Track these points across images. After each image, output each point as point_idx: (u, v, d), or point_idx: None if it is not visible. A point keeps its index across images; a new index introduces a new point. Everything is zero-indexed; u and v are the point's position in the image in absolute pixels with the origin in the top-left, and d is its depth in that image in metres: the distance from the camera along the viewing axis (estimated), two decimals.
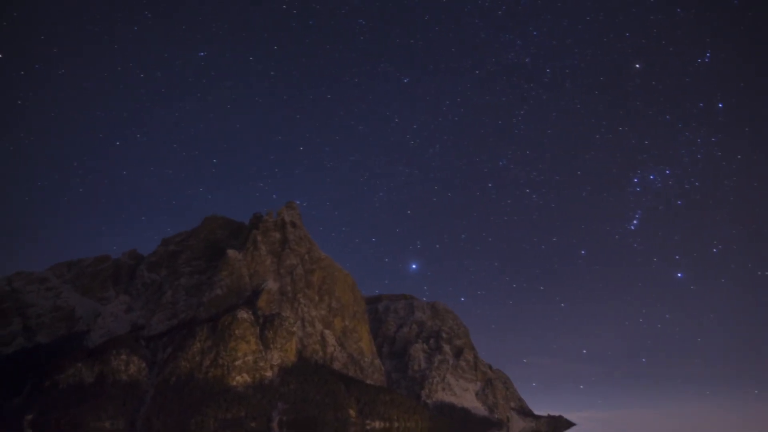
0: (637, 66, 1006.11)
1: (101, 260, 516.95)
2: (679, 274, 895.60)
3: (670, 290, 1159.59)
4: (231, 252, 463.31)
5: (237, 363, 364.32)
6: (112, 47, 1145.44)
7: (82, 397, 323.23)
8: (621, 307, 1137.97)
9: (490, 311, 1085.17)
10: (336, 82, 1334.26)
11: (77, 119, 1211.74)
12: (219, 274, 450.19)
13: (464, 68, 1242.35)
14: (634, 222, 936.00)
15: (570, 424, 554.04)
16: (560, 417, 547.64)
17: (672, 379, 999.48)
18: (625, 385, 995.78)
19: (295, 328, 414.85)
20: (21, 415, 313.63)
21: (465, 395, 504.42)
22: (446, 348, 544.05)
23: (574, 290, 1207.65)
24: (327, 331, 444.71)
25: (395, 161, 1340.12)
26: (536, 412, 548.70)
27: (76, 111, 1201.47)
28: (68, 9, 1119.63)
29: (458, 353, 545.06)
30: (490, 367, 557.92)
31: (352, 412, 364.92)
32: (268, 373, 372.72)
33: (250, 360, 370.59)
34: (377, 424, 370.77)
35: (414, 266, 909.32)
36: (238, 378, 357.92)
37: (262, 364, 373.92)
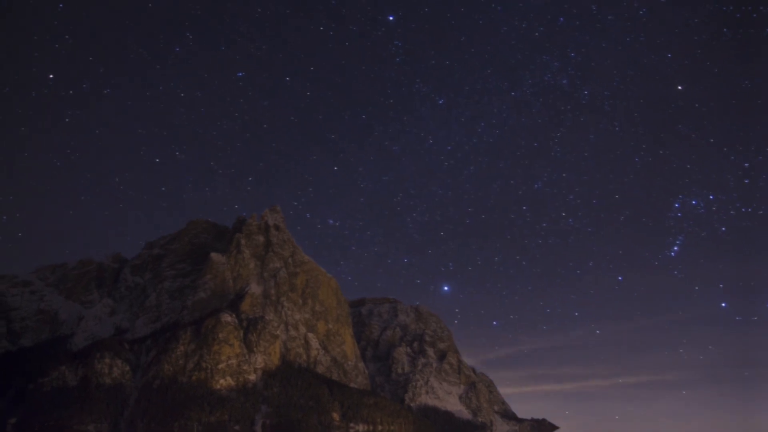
0: (680, 88, 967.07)
1: (85, 264, 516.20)
2: (723, 304, 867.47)
3: (713, 320, 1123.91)
4: (215, 255, 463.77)
5: (220, 366, 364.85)
6: (154, 68, 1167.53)
7: (66, 401, 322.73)
8: (660, 337, 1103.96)
9: (523, 336, 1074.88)
10: (371, 102, 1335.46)
11: (120, 138, 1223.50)
12: (203, 278, 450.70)
13: (500, 89, 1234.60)
14: (675, 248, 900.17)
15: (553, 428, 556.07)
16: (543, 420, 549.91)
17: (716, 409, 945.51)
18: (666, 416, 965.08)
19: (278, 332, 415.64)
20: (5, 419, 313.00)
21: (448, 398, 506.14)
22: (430, 351, 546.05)
23: (610, 317, 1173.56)
24: (310, 335, 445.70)
25: (429, 182, 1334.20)
26: (519, 416, 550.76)
27: (119, 128, 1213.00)
28: (114, 32, 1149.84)
29: (442, 356, 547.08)
30: (474, 371, 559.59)
31: (335, 416, 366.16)
32: (252, 377, 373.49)
33: (233, 363, 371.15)
34: (361, 428, 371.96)
35: (446, 288, 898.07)
36: (221, 381, 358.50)
37: (245, 367, 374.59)
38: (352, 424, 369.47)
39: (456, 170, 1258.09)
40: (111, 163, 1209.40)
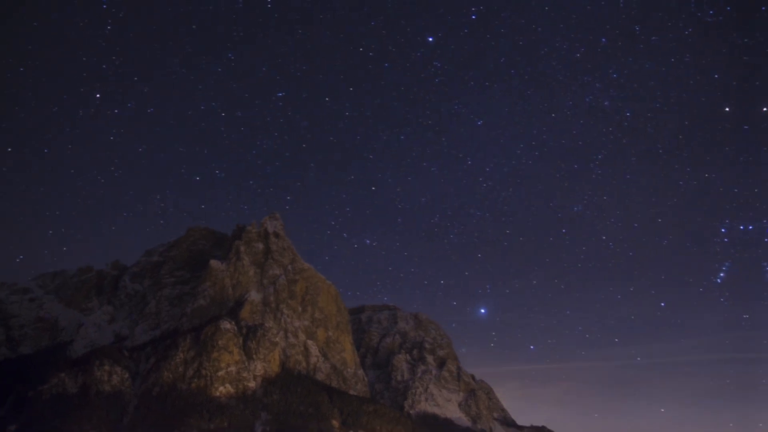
0: (727, 109, 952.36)
1: (84, 271, 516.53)
2: None
3: (764, 351, 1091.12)
4: (214, 262, 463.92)
5: (220, 374, 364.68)
6: (196, 87, 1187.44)
7: (66, 408, 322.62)
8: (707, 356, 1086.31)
9: (560, 362, 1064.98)
10: (410, 123, 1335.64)
11: (162, 156, 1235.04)
12: (202, 285, 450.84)
13: (540, 111, 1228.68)
14: (721, 275, 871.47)
15: None
16: (543, 428, 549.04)
17: None
18: None
19: (278, 339, 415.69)
20: (4, 426, 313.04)
21: (448, 406, 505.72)
22: (429, 359, 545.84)
23: (651, 344, 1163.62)
24: (310, 342, 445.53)
25: (467, 204, 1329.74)
26: (519, 423, 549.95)
27: (161, 147, 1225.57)
28: (159, 53, 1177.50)
29: (441, 364, 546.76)
30: (473, 378, 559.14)
31: (335, 423, 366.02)
32: (252, 384, 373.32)
33: (233, 371, 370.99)
34: None
35: (483, 311, 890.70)
36: (221, 389, 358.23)
37: (245, 374, 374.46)
38: (351, 431, 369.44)
39: (494, 192, 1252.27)
40: (152, 181, 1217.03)
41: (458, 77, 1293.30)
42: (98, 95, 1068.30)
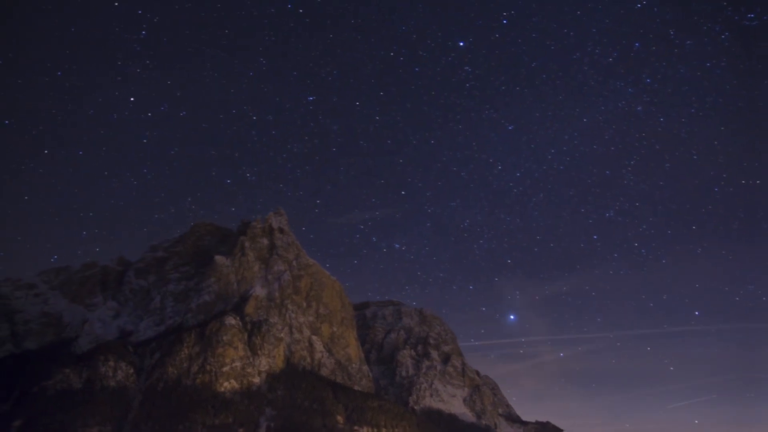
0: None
1: (89, 266, 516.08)
2: None
3: None
4: (219, 258, 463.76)
5: (225, 369, 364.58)
6: (228, 91, 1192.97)
7: (70, 403, 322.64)
8: (743, 375, 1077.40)
9: (591, 369, 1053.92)
10: (440, 127, 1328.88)
11: (194, 158, 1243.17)
12: (207, 280, 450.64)
13: (571, 116, 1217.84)
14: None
15: (558, 430, 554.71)
16: (548, 423, 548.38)
17: None
18: None
19: (282, 335, 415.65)
20: (9, 422, 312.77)
21: (453, 401, 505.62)
22: (434, 354, 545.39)
23: (685, 353, 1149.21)
24: (315, 338, 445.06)
25: (497, 209, 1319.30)
26: (524, 419, 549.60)
27: (193, 149, 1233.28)
28: (192, 57, 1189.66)
29: (446, 359, 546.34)
30: (478, 373, 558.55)
31: (340, 419, 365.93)
32: (256, 380, 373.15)
33: (237, 366, 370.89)
34: (365, 430, 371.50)
35: (512, 317, 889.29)
36: (225, 384, 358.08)
37: (249, 370, 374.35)
38: (356, 427, 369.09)
39: (524, 197, 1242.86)
40: (184, 183, 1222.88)
41: (489, 82, 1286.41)
42: (132, 98, 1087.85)
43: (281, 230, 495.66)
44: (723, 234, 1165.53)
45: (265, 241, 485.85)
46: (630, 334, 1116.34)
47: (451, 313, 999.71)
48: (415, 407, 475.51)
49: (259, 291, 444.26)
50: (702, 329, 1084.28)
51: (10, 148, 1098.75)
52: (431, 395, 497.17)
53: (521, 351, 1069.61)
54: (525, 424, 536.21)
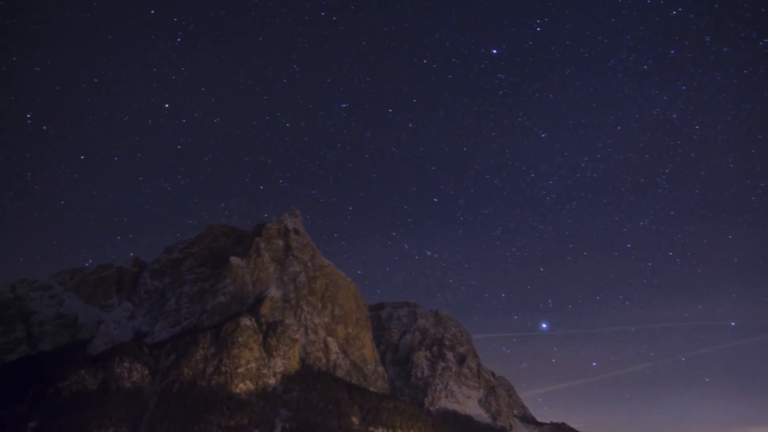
0: None
1: (104, 268, 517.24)
2: None
3: None
4: (234, 259, 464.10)
5: (240, 370, 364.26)
6: (262, 98, 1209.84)
7: (86, 405, 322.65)
8: None
9: (624, 380, 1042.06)
10: (473, 135, 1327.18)
11: (227, 165, 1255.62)
12: (222, 282, 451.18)
13: (605, 123, 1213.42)
14: None
15: None
16: (563, 424, 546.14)
17: None
18: None
19: (298, 336, 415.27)
20: (25, 423, 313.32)
21: (468, 402, 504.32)
22: (449, 355, 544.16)
23: (722, 365, 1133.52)
24: (330, 339, 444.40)
25: (530, 217, 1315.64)
26: (539, 420, 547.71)
27: (227, 156, 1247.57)
28: (226, 64, 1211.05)
29: (461, 360, 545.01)
30: (493, 374, 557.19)
31: (355, 420, 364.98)
32: (271, 381, 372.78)
33: (253, 367, 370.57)
34: None
35: (544, 326, 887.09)
36: (241, 385, 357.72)
37: (265, 371, 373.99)
38: (371, 428, 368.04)
39: (558, 205, 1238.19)
40: (217, 189, 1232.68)
41: (522, 89, 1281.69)
42: (167, 105, 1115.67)
43: (296, 231, 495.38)
44: (760, 243, 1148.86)
45: (281, 242, 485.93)
46: (665, 344, 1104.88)
47: (482, 320, 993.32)
48: (431, 408, 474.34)
49: (275, 292, 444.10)
50: (738, 341, 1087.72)
51: (47, 153, 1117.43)
52: (446, 396, 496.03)
53: (553, 360, 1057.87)
54: (540, 425, 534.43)
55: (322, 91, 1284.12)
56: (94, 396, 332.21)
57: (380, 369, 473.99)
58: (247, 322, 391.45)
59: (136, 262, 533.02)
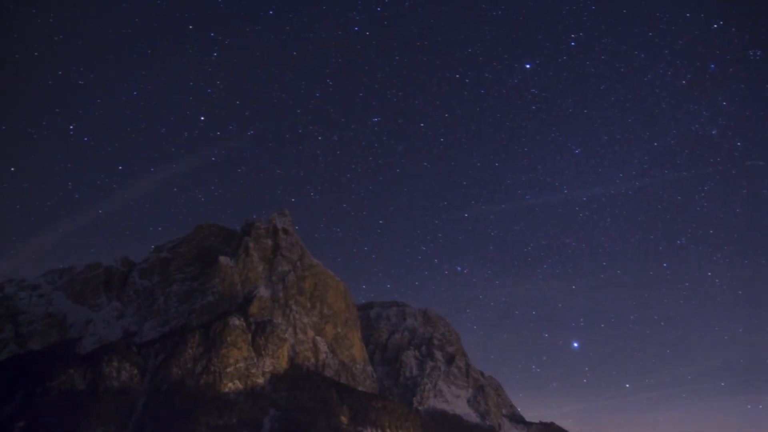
0: None
1: (93, 267, 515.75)
2: None
3: None
4: (223, 259, 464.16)
5: (229, 370, 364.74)
6: (294, 111, 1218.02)
7: (74, 404, 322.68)
8: None
9: (659, 403, 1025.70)
10: (505, 150, 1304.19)
11: (260, 177, 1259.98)
12: (211, 281, 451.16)
13: (641, 139, 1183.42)
14: None
15: (562, 431, 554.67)
16: (552, 424, 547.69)
17: None
18: None
19: (286, 335, 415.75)
20: (13, 423, 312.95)
21: (457, 402, 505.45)
22: (438, 355, 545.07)
23: (763, 390, 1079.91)
24: (319, 338, 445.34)
25: (562, 233, 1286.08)
26: (528, 419, 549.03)
27: (260, 168, 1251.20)
28: (260, 78, 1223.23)
29: (450, 360, 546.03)
30: (482, 374, 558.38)
31: (344, 419, 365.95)
32: (260, 380, 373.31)
33: (241, 367, 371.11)
34: (369, 431, 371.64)
35: (575, 345, 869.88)
36: (229, 385, 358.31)
37: (253, 370, 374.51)
38: (360, 428, 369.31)
39: (591, 222, 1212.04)
40: (250, 201, 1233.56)
41: (556, 104, 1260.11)
42: (202, 118, 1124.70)
43: (285, 231, 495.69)
44: None
45: (270, 242, 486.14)
46: (703, 367, 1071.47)
47: (512, 338, 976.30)
48: (419, 408, 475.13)
49: (263, 292, 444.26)
50: None
51: (88, 164, 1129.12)
52: (435, 396, 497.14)
53: (584, 380, 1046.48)
54: (529, 424, 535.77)
55: (355, 105, 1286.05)
56: (82, 395, 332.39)
57: (369, 368, 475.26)
58: (235, 321, 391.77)
59: (125, 261, 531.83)
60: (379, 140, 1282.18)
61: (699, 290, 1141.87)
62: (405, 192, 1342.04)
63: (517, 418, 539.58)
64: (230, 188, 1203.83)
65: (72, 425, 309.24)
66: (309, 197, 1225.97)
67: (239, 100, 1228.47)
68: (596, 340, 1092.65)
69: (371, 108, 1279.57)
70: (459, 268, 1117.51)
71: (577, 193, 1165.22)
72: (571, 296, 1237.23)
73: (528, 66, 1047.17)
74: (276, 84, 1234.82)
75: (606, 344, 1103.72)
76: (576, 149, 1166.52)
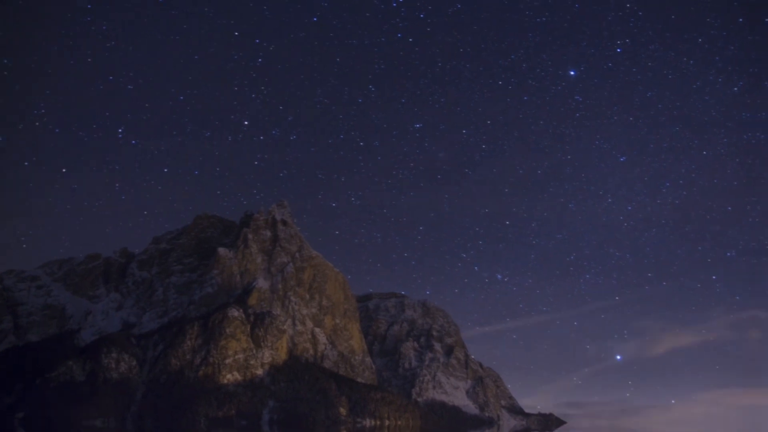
0: None
1: (92, 258, 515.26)
2: None
3: None
4: (222, 250, 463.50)
5: (228, 361, 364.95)
6: (337, 117, 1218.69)
7: (74, 396, 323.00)
8: None
9: (705, 418, 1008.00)
10: (547, 157, 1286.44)
11: (302, 181, 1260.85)
12: (210, 272, 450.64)
13: (690, 148, 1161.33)
14: None
15: (560, 422, 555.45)
16: (551, 415, 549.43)
17: None
18: None
19: (285, 327, 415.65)
20: (12, 414, 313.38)
21: (456, 393, 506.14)
22: (437, 346, 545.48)
23: None
24: (318, 329, 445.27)
25: (606, 243, 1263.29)
26: (526, 410, 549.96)
27: (301, 173, 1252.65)
28: (304, 83, 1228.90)
29: (449, 351, 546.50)
30: (481, 365, 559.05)
31: (343, 411, 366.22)
32: (259, 372, 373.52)
33: (240, 358, 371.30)
34: (368, 423, 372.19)
35: (619, 357, 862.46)
36: (228, 376, 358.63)
37: (252, 362, 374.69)
38: (359, 419, 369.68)
39: (636, 232, 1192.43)
40: (291, 206, 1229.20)
41: (601, 112, 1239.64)
42: (246, 122, 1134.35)
43: (284, 222, 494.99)
44: None
45: (268, 234, 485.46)
46: (755, 382, 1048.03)
47: (552, 348, 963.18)
48: (418, 399, 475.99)
49: (262, 283, 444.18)
50: None
51: (134, 166, 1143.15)
52: (434, 387, 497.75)
53: (627, 394, 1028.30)
54: (528, 415, 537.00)
55: (397, 112, 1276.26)
56: (82, 387, 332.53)
57: (368, 360, 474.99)
58: (234, 312, 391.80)
59: (123, 252, 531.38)
60: (421, 146, 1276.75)
61: (751, 304, 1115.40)
62: (446, 199, 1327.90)
63: (515, 410, 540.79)
64: (271, 192, 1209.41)
65: (71, 416, 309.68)
66: (350, 202, 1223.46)
67: (282, 105, 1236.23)
68: (641, 354, 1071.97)
69: (413, 114, 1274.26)
70: (499, 276, 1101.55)
71: (622, 202, 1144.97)
72: (614, 308, 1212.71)
73: (572, 73, 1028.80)
74: (319, 89, 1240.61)
75: (652, 358, 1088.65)
76: (621, 157, 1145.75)
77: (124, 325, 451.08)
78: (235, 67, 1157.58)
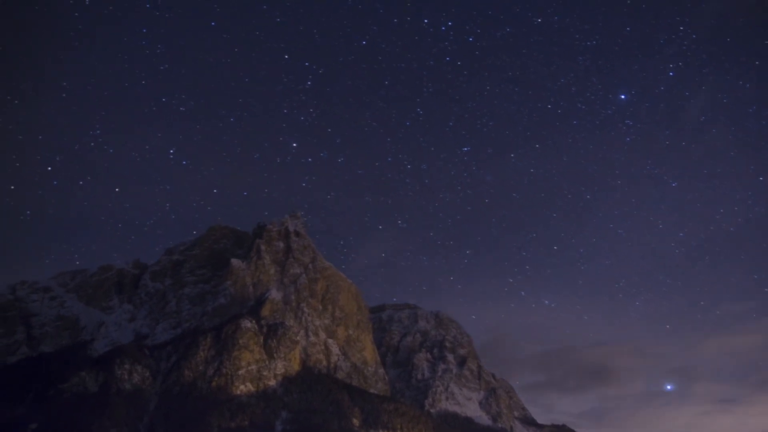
0: None
1: (105, 269, 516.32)
2: None
3: None
4: (235, 261, 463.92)
5: (241, 372, 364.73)
6: (385, 140, 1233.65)
7: (86, 407, 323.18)
8: None
9: None
10: (597, 182, 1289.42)
11: (349, 203, 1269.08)
12: (223, 283, 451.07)
13: (745, 173, 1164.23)
14: None
15: None
16: (564, 426, 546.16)
17: None
18: None
19: (298, 338, 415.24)
20: (25, 424, 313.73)
21: (468, 404, 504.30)
22: (450, 357, 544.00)
23: None
24: (331, 341, 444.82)
25: (656, 270, 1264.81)
26: (539, 422, 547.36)
27: (348, 195, 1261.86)
28: (352, 106, 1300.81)
29: (462, 362, 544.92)
30: (494, 376, 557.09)
31: (356, 422, 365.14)
32: (272, 383, 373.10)
33: (253, 369, 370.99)
34: None
35: (669, 387, 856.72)
36: (241, 387, 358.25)
37: (265, 373, 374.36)
38: (372, 430, 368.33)
39: (689, 259, 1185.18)
40: (339, 228, 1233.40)
41: (652, 136, 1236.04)
42: (294, 144, 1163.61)
43: (297, 233, 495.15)
44: None
45: (281, 245, 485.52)
46: None
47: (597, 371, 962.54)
48: (431, 410, 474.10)
49: (275, 294, 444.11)
50: None
51: (186, 187, 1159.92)
52: (447, 398, 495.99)
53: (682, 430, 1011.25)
54: (541, 427, 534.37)
55: (445, 135, 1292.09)
56: (94, 398, 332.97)
57: (381, 371, 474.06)
58: (247, 323, 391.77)
59: (136, 264, 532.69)
60: (469, 170, 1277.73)
61: None
62: (493, 222, 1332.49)
63: (528, 421, 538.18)
64: (318, 213, 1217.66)
65: (84, 427, 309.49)
66: (396, 225, 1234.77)
67: (331, 127, 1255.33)
68: (692, 383, 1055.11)
69: (461, 137, 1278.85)
70: (546, 302, 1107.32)
71: (674, 228, 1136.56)
72: (664, 336, 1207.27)
73: (623, 97, 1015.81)
74: (367, 112, 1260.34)
75: (703, 388, 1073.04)
76: (672, 182, 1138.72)
77: (137, 336, 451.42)
78: (284, 89, 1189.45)
